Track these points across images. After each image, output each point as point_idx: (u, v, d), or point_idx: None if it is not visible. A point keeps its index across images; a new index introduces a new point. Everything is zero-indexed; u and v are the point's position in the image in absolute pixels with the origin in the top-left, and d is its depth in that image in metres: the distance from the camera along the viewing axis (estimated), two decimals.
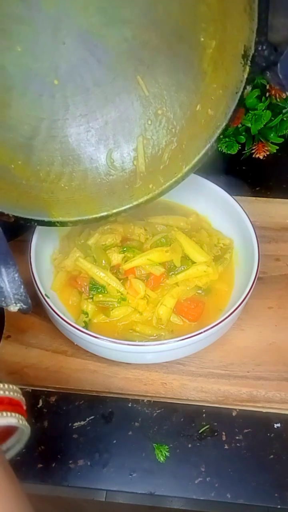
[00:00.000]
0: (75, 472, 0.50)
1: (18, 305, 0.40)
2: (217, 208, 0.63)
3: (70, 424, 0.52)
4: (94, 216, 0.53)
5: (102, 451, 0.51)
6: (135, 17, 0.47)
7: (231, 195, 0.62)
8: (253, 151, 0.74)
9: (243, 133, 0.71)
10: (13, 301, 0.39)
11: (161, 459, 0.50)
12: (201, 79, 0.49)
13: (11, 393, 0.34)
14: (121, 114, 0.52)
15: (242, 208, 0.60)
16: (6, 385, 0.34)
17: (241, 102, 0.47)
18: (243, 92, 0.46)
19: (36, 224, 0.51)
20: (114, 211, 0.54)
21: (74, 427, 0.52)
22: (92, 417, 0.53)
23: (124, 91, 0.51)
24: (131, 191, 0.54)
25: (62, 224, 0.53)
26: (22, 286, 0.39)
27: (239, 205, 0.61)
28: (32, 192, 0.52)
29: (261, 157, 0.74)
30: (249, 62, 0.43)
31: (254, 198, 0.71)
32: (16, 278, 0.39)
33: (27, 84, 0.48)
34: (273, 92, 0.65)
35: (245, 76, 0.44)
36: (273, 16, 0.40)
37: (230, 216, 0.62)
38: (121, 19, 0.47)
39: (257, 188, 0.74)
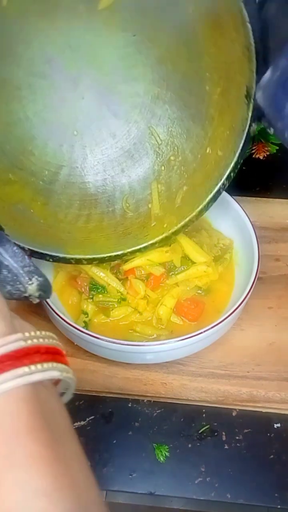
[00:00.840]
0: None
1: (34, 280, 0.36)
2: (217, 208, 0.63)
3: None
4: (109, 254, 0.55)
5: (102, 451, 0.51)
6: (146, 75, 0.51)
7: (231, 195, 0.62)
8: (253, 151, 0.74)
9: None
10: (26, 278, 0.37)
11: (161, 459, 0.50)
12: (209, 124, 0.52)
13: (46, 340, 0.29)
14: (135, 162, 0.56)
15: (242, 208, 0.60)
16: (39, 332, 0.29)
17: (248, 139, 0.48)
18: (249, 129, 0.47)
19: (51, 259, 0.52)
20: (129, 250, 0.55)
21: (74, 427, 0.52)
22: (92, 417, 0.53)
23: (138, 141, 0.55)
24: (146, 231, 0.56)
25: (77, 261, 0.54)
26: (26, 256, 0.36)
27: (239, 205, 0.61)
28: (50, 231, 0.54)
29: (261, 157, 0.74)
30: (252, 100, 0.45)
31: (254, 198, 0.71)
32: (17, 251, 0.37)
33: (49, 135, 0.53)
34: None
35: (250, 114, 0.46)
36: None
37: (230, 216, 0.62)
38: (134, 76, 0.51)
39: (257, 188, 0.74)
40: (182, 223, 0.54)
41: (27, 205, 0.53)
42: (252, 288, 0.53)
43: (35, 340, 0.28)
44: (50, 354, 0.29)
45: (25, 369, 0.26)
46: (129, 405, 0.54)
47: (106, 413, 0.53)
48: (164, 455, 0.50)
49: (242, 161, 0.50)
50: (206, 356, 0.55)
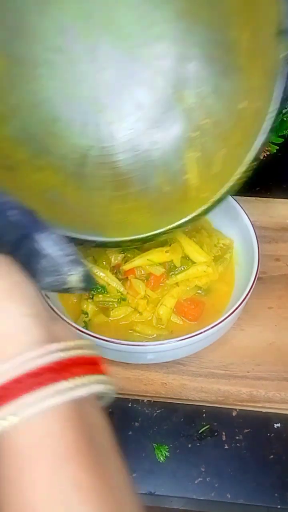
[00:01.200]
0: None
1: (77, 271, 0.32)
2: (217, 208, 0.63)
3: None
4: (150, 234, 0.51)
5: None
6: (166, 33, 0.47)
7: (231, 195, 0.61)
8: None
9: None
10: (68, 268, 0.32)
11: (161, 459, 0.50)
12: (240, 76, 0.47)
13: (86, 350, 0.26)
14: (166, 132, 0.52)
15: (242, 208, 0.60)
16: (78, 341, 0.26)
17: (286, 81, 0.43)
18: (285, 70, 0.42)
19: (92, 245, 0.49)
20: (170, 226, 0.50)
21: None
22: None
23: (167, 109, 0.51)
24: (185, 205, 0.51)
25: (117, 244, 0.50)
26: (69, 244, 0.32)
27: (239, 205, 0.61)
28: (85, 216, 0.51)
29: (261, 157, 0.74)
30: (286, 36, 0.40)
31: (254, 198, 0.71)
32: (57, 239, 0.32)
33: (72, 114, 0.49)
34: None
35: (284, 54, 0.41)
36: None
37: (230, 216, 0.62)
38: (154, 37, 0.47)
39: (257, 188, 0.74)
40: (226, 188, 0.48)
41: (59, 191, 0.50)
42: (252, 288, 0.53)
43: (77, 351, 0.25)
44: (92, 365, 0.26)
45: (67, 383, 0.23)
46: (129, 405, 0.54)
47: (106, 413, 0.53)
48: (164, 455, 0.50)
49: (284, 108, 0.45)
50: (206, 356, 0.55)
